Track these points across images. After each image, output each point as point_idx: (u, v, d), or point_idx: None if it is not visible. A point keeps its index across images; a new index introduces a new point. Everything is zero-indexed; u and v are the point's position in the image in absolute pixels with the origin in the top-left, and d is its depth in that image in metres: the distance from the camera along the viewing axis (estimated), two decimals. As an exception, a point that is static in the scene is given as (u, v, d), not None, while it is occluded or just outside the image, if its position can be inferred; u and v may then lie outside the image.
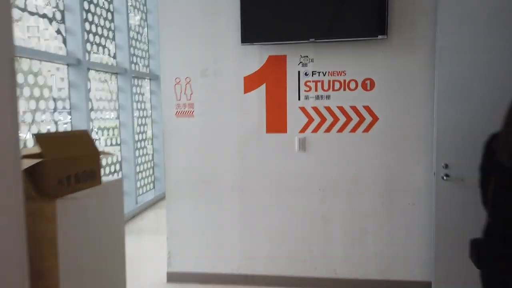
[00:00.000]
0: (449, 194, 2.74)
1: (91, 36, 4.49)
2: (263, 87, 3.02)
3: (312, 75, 2.96)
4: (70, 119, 4.19)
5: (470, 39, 2.63)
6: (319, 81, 2.96)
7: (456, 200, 2.73)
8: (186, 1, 3.04)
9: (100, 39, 4.71)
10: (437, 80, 2.70)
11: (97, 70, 4.72)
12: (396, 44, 2.84)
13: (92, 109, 4.53)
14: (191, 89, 3.11)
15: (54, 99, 4.00)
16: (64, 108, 4.15)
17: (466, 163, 2.66)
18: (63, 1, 4.06)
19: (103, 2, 4.81)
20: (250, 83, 3.03)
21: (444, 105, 2.70)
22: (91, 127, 4.41)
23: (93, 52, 4.56)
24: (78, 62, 4.14)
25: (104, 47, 4.81)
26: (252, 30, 2.88)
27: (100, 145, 4.79)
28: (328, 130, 2.98)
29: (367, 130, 2.93)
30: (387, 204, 2.96)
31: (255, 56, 3.00)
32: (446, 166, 2.71)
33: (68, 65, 4.12)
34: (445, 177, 2.71)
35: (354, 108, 2.93)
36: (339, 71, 2.93)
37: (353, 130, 2.95)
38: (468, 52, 2.64)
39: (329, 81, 2.94)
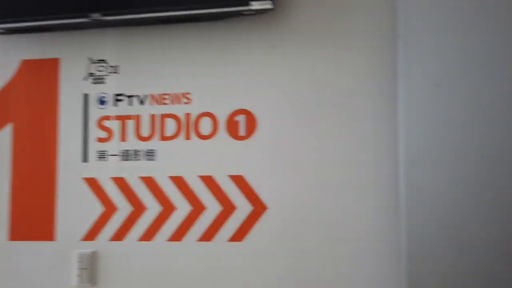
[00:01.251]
0: None
1: None
2: (5, 133, 1.31)
3: (116, 103, 1.26)
4: None
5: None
6: (130, 117, 1.25)
7: None
8: None
9: None
10: (402, 94, 1.00)
11: None
12: (297, 23, 1.17)
13: None
14: None
15: None
16: None
17: None
18: None
19: None
20: (-21, 123, 1.32)
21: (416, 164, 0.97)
22: None
23: None
24: None
25: None
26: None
27: None
28: (149, 234, 1.21)
29: (238, 237, 1.17)
30: None
31: (-8, 63, 1.32)
32: None
33: None
34: None
35: (209, 180, 1.19)
36: (176, 94, 1.23)
37: (208, 235, 1.18)
38: (447, 38, 0.98)
39: (152, 117, 1.23)
